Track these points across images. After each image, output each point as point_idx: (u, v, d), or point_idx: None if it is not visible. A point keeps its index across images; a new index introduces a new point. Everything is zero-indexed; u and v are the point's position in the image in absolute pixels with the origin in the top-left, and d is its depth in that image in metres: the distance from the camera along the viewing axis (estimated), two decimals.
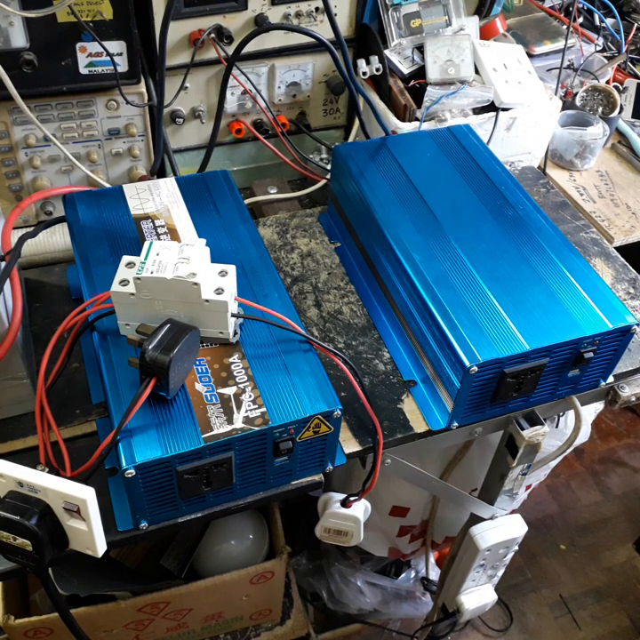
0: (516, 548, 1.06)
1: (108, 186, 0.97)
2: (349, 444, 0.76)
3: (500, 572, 1.13)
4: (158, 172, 0.99)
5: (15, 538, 0.59)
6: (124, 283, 0.68)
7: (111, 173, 1.00)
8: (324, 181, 1.05)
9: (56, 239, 0.96)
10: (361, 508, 0.83)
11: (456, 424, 0.77)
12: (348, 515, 0.82)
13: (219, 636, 1.22)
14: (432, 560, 1.49)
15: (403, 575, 1.53)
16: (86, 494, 0.57)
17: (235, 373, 0.68)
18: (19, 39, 0.82)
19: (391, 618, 1.55)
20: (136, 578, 1.04)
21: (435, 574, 1.50)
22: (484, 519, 1.02)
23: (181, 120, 1.02)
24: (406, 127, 1.01)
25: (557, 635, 1.63)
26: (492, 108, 1.04)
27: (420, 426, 0.78)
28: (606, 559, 1.76)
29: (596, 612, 1.67)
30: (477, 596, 1.13)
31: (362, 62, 1.02)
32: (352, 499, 0.82)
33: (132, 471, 0.61)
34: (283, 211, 1.05)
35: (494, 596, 1.15)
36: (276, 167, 1.12)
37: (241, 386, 0.67)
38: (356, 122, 1.06)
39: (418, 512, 1.25)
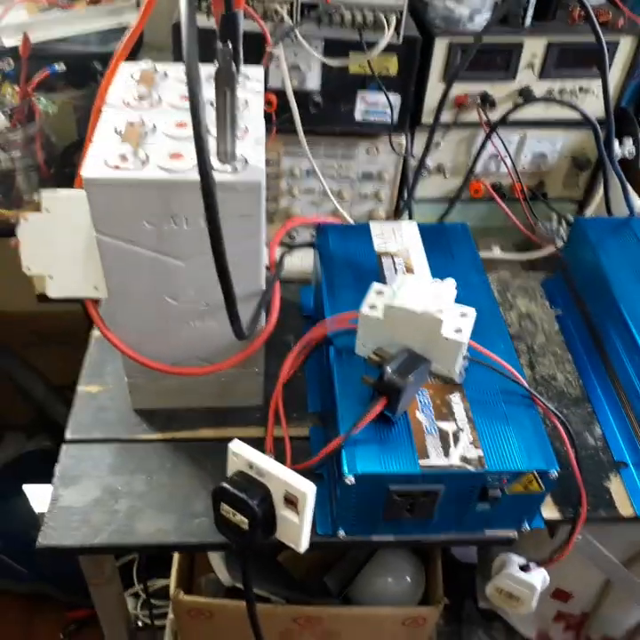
0: None
1: (351, 222, 1.06)
2: (548, 509, 0.75)
3: None
4: (394, 216, 1.07)
5: (235, 514, 0.64)
6: (372, 307, 0.74)
7: (354, 211, 1.09)
8: (551, 248, 1.07)
9: (293, 261, 1.06)
10: (540, 577, 0.81)
11: None
12: (526, 581, 0.81)
13: None
14: None
15: None
16: (308, 489, 0.61)
17: (455, 411, 0.71)
18: (312, 82, 0.94)
19: None
20: (296, 588, 1.08)
21: None
22: None
23: (426, 173, 1.09)
24: None
25: None
26: None
27: (625, 509, 0.75)
28: None
29: None
30: None
31: (615, 143, 1.03)
32: (533, 565, 0.80)
33: (352, 479, 0.65)
34: (503, 270, 1.07)
35: None
36: (500, 229, 1.15)
37: (460, 425, 0.70)
38: (596, 198, 1.07)
39: (581, 600, 1.18)
